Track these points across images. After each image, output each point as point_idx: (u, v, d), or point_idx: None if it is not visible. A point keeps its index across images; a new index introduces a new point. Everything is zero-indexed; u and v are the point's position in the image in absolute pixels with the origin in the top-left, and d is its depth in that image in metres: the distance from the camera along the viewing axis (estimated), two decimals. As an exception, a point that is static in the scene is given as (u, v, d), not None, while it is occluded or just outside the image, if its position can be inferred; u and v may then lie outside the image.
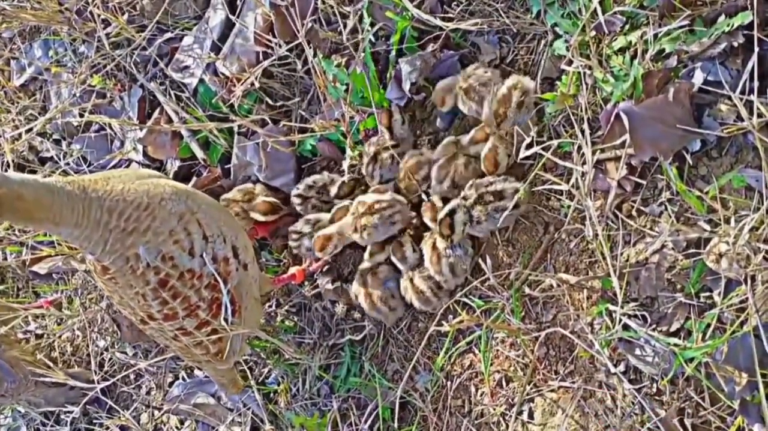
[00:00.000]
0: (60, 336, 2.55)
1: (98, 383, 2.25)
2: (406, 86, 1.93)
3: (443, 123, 1.99)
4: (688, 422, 1.58)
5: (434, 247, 1.87)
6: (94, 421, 2.42)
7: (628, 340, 1.62)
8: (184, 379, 2.32)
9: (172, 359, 2.33)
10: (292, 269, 2.09)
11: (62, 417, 2.47)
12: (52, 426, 2.47)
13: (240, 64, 2.14)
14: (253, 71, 2.05)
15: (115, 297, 1.70)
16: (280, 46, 2.04)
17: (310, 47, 1.96)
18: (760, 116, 1.41)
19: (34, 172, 2.52)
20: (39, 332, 2.58)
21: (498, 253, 1.90)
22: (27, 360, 2.36)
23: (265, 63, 2.05)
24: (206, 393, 2.26)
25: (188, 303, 1.69)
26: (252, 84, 2.06)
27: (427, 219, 1.90)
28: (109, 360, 2.45)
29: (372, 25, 1.94)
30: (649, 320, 1.62)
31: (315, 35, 2.04)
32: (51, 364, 2.37)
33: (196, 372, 2.30)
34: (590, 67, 1.69)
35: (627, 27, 1.70)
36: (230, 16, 2.19)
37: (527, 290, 1.79)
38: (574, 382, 1.74)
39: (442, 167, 1.89)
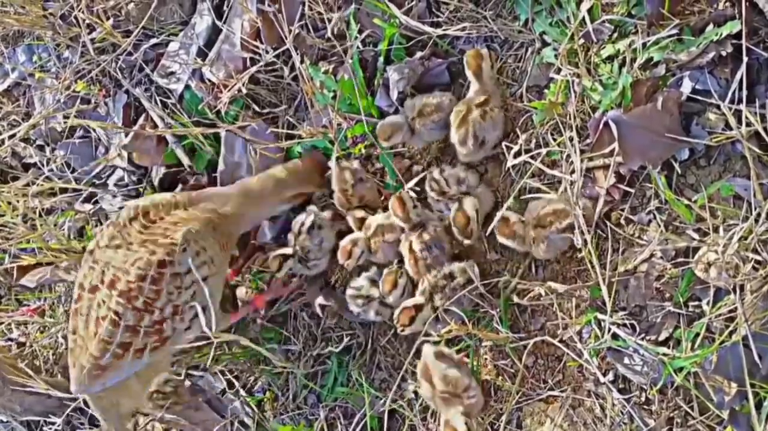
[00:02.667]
0: (43, 344, 2.52)
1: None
2: (394, 94, 1.92)
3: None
4: (677, 431, 1.59)
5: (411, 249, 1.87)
6: (77, 430, 2.39)
7: (617, 349, 1.62)
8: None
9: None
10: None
11: (45, 429, 2.44)
12: (35, 435, 2.45)
13: (227, 70, 2.13)
14: (241, 77, 2.03)
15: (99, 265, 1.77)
16: (267, 52, 2.02)
17: (297, 53, 1.95)
18: (748, 125, 1.41)
19: (17, 178, 2.49)
20: (22, 340, 2.55)
21: (486, 261, 1.89)
22: (7, 364, 2.33)
23: (253, 69, 2.03)
24: (195, 401, 2.24)
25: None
26: (239, 90, 2.05)
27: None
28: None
29: (360, 32, 1.93)
30: (638, 329, 1.62)
31: (302, 42, 2.03)
32: (32, 373, 2.34)
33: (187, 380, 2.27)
34: (579, 76, 1.68)
35: (615, 35, 1.70)
36: (217, 22, 2.17)
37: (516, 299, 1.78)
38: (563, 391, 1.74)
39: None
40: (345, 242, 1.95)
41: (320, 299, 2.05)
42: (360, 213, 1.98)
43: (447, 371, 1.73)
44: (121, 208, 2.32)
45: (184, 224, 1.77)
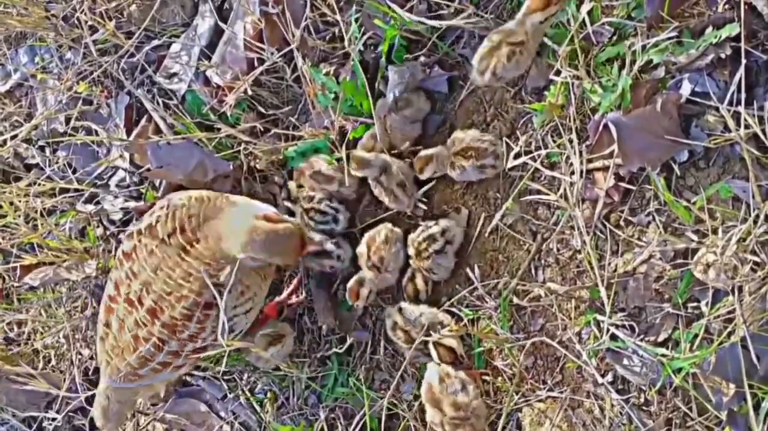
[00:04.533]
0: (45, 344, 2.53)
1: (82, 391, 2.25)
2: (389, 98, 1.93)
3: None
4: (675, 432, 1.59)
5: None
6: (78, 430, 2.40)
7: (615, 350, 1.62)
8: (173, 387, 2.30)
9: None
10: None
11: (45, 424, 2.44)
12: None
13: (232, 72, 2.13)
14: (246, 79, 2.04)
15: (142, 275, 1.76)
16: (272, 54, 2.03)
17: (301, 55, 1.95)
18: (747, 127, 1.42)
19: (19, 179, 2.49)
20: (22, 340, 2.56)
21: (486, 262, 1.90)
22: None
23: (258, 70, 2.04)
24: (197, 401, 2.24)
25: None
26: (245, 92, 2.05)
27: None
28: (94, 368, 2.42)
29: (362, 33, 1.94)
30: (637, 330, 1.62)
31: (304, 43, 2.04)
32: (32, 371, 2.35)
33: (186, 379, 2.28)
34: (578, 78, 1.69)
35: (615, 38, 1.70)
36: (220, 24, 2.18)
37: (515, 300, 1.78)
38: (562, 392, 1.74)
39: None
40: (351, 284, 1.96)
41: (328, 320, 2.07)
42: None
43: (457, 397, 1.75)
44: (123, 209, 2.33)
45: (225, 258, 1.72)
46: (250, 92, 2.07)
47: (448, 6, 1.89)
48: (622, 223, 1.69)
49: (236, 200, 1.80)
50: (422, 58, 1.96)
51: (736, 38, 1.51)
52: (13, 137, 2.41)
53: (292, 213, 2.06)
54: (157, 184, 2.31)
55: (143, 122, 2.32)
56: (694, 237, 1.58)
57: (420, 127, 1.99)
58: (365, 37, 1.95)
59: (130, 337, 1.79)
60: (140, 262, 1.76)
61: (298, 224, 1.81)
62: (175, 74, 2.28)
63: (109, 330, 1.83)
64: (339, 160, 1.98)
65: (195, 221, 1.74)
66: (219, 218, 1.74)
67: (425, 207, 1.97)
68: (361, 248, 1.93)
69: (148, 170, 2.20)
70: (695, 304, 1.59)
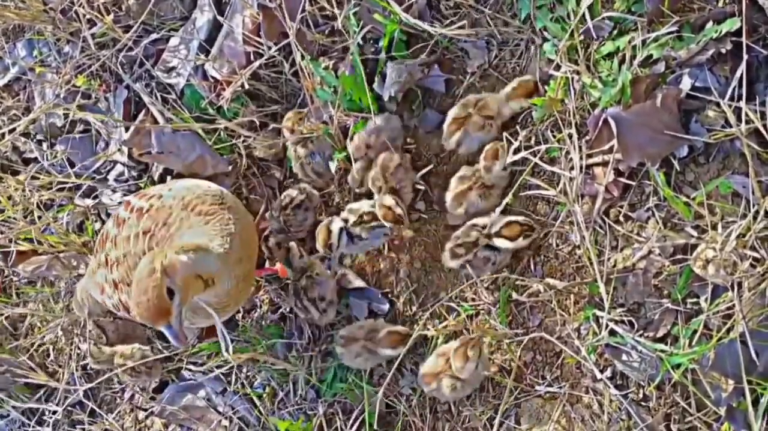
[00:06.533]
0: (44, 340, 2.53)
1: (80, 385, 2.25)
2: (386, 96, 1.93)
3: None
4: (674, 428, 1.59)
5: None
6: (77, 424, 2.40)
7: (615, 346, 1.62)
8: (172, 381, 2.30)
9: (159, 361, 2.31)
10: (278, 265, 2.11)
11: (44, 418, 2.45)
12: (33, 427, 2.45)
13: (230, 66, 2.13)
14: (244, 72, 2.03)
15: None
16: (269, 48, 2.02)
17: (298, 49, 1.94)
18: (747, 122, 1.41)
19: (17, 173, 2.49)
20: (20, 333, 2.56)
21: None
22: None
23: (256, 63, 2.03)
24: (195, 396, 2.24)
25: None
26: (242, 86, 2.05)
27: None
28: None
29: (360, 27, 1.93)
30: (636, 325, 1.62)
31: (302, 37, 2.03)
32: (33, 365, 2.35)
33: (185, 373, 2.28)
34: (578, 72, 1.68)
35: (615, 32, 1.70)
36: (218, 17, 2.17)
37: (514, 295, 1.78)
38: (560, 387, 1.74)
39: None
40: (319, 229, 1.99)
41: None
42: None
43: None
44: (120, 203, 2.33)
45: None
46: (247, 86, 2.06)
47: (447, 1, 1.89)
48: (621, 218, 1.69)
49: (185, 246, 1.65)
50: (422, 56, 1.95)
51: (737, 33, 1.51)
52: (11, 131, 2.41)
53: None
54: (156, 178, 2.31)
55: (141, 115, 2.32)
56: (694, 233, 1.58)
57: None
58: (364, 31, 1.94)
59: (95, 280, 1.87)
60: (121, 237, 1.78)
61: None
62: (173, 68, 2.27)
63: (94, 255, 1.91)
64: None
65: (164, 231, 1.72)
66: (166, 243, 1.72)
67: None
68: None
69: (149, 153, 2.19)
70: (694, 300, 1.58)
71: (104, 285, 1.85)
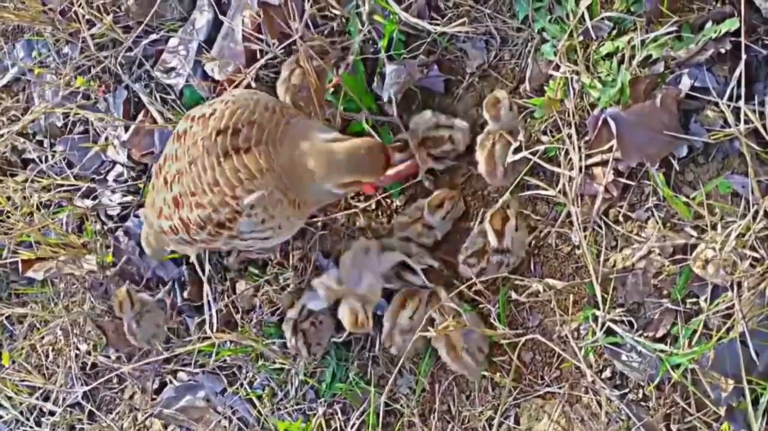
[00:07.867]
0: (42, 339, 2.52)
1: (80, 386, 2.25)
2: (385, 96, 1.93)
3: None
4: (674, 428, 1.59)
5: None
6: (75, 426, 2.40)
7: (614, 346, 1.62)
8: (171, 382, 2.30)
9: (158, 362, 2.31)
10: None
11: (43, 419, 2.44)
12: (30, 427, 2.45)
13: (231, 66, 2.12)
14: (247, 72, 2.03)
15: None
16: (270, 46, 2.02)
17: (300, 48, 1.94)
18: (747, 122, 1.42)
19: (16, 174, 2.49)
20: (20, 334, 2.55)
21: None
22: None
23: (259, 63, 2.03)
24: (194, 397, 2.24)
25: None
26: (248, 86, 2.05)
27: None
28: (91, 364, 2.42)
29: (361, 28, 1.93)
30: (635, 325, 1.62)
31: (302, 38, 2.03)
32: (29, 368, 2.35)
33: (183, 375, 2.28)
34: (577, 73, 1.69)
35: (614, 33, 1.70)
36: (220, 17, 2.16)
37: (514, 295, 1.78)
38: (560, 387, 1.74)
39: None
40: None
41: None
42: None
43: None
44: (120, 203, 2.33)
45: (262, 178, 1.59)
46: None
47: (446, 0, 1.89)
48: (620, 218, 1.69)
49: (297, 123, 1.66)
50: (421, 57, 1.95)
51: (736, 33, 1.51)
52: (10, 132, 2.41)
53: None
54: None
55: (140, 116, 2.32)
56: (693, 233, 1.58)
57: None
58: (365, 31, 1.94)
59: (157, 208, 1.74)
60: (184, 148, 1.65)
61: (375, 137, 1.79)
62: (173, 69, 2.27)
63: (151, 188, 1.80)
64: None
65: (256, 133, 1.60)
66: (285, 143, 1.61)
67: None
68: None
69: (151, 153, 2.19)
70: (694, 300, 1.58)
71: (162, 207, 1.71)
